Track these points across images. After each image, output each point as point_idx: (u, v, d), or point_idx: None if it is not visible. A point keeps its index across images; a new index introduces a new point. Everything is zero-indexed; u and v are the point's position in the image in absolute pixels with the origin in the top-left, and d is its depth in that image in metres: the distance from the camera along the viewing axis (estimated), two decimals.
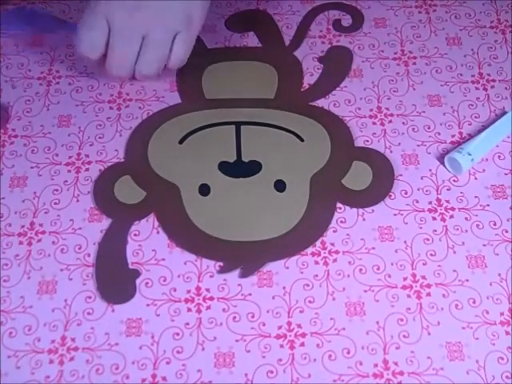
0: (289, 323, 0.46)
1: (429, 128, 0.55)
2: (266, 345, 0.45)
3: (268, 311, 0.47)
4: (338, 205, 0.51)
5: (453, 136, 0.55)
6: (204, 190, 0.52)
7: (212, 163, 0.53)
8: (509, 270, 0.48)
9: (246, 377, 0.44)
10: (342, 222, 0.50)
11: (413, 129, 0.55)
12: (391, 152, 0.54)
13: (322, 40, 0.61)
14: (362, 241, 0.49)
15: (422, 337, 0.45)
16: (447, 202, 0.51)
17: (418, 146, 0.54)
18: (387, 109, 0.56)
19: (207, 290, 0.47)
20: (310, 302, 0.47)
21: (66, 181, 0.53)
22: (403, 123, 0.55)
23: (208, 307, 0.47)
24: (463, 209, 0.51)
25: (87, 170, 0.53)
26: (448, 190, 0.52)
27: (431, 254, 0.49)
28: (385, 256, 0.49)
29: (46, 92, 0.58)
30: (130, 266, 0.48)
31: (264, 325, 0.46)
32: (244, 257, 0.49)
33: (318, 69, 0.59)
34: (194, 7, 0.52)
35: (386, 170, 0.53)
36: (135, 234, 0.50)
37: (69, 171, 0.53)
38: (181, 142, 0.54)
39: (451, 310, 0.46)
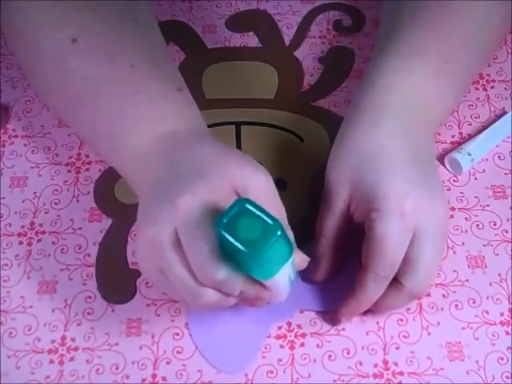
0: (289, 323, 0.46)
1: None
2: (266, 345, 0.45)
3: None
4: None
5: (453, 136, 0.55)
6: None
7: None
8: (509, 270, 0.48)
9: (246, 377, 0.44)
10: None
11: None
12: None
13: (322, 40, 0.61)
14: None
15: (422, 337, 0.45)
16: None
17: None
18: None
19: None
20: None
21: (66, 181, 0.53)
22: None
23: None
24: (463, 209, 0.51)
25: (87, 170, 0.53)
26: (448, 190, 0.52)
27: None
28: None
29: None
30: (130, 266, 0.48)
31: None
32: None
33: (318, 69, 0.59)
34: None
35: None
36: (135, 234, 0.50)
37: (69, 171, 0.53)
38: None
39: (451, 310, 0.46)
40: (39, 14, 0.45)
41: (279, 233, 0.34)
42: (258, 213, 0.35)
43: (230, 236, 0.34)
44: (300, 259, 0.41)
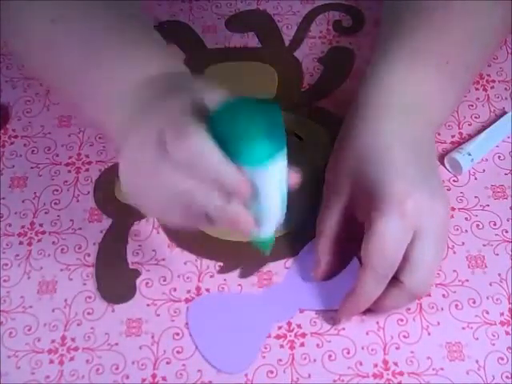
0: (289, 323, 0.46)
1: None
2: (266, 345, 0.45)
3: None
4: None
5: (453, 136, 0.55)
6: None
7: None
8: (509, 270, 0.48)
9: (246, 377, 0.44)
10: None
11: None
12: None
13: (322, 40, 0.61)
14: None
15: (422, 337, 0.45)
16: None
17: None
18: None
19: (207, 290, 0.47)
20: None
21: (66, 181, 0.53)
22: None
23: None
24: (463, 209, 0.51)
25: (87, 170, 0.53)
26: (448, 190, 0.52)
27: None
28: None
29: (46, 92, 0.58)
30: (130, 266, 0.48)
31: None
32: (244, 257, 0.49)
33: (318, 69, 0.59)
34: None
35: None
36: (135, 234, 0.50)
37: (69, 171, 0.53)
38: None
39: (451, 310, 0.46)
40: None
41: (276, 106, 0.35)
42: (253, 101, 0.36)
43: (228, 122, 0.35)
44: (291, 174, 0.38)
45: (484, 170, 0.53)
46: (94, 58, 0.43)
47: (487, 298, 0.47)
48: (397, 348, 0.45)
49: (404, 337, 0.45)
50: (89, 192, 0.52)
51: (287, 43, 0.61)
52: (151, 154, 0.37)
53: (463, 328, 0.46)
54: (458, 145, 0.54)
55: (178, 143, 0.35)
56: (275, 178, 0.37)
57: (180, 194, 0.37)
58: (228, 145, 0.35)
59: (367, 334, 0.45)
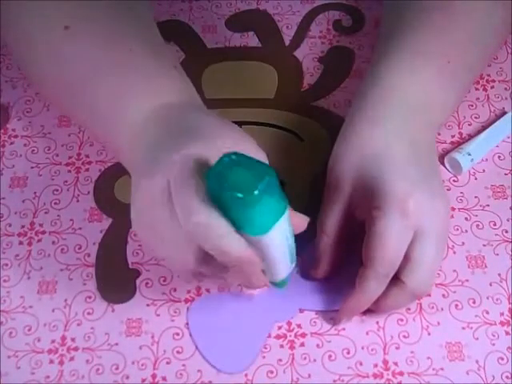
0: (289, 323, 0.46)
1: None
2: (266, 345, 0.45)
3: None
4: None
5: (453, 136, 0.55)
6: None
7: None
8: (509, 270, 0.48)
9: (246, 377, 0.44)
10: None
11: None
12: None
13: (322, 40, 0.61)
14: None
15: (422, 337, 0.45)
16: None
17: None
18: None
19: (207, 290, 0.47)
20: None
21: (66, 181, 0.53)
22: None
23: None
24: (463, 209, 0.51)
25: (87, 170, 0.53)
26: (448, 190, 0.52)
27: None
28: None
29: None
30: (130, 266, 0.48)
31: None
32: None
33: (318, 69, 0.59)
34: None
35: None
36: (135, 234, 0.50)
37: (69, 171, 0.53)
38: None
39: (451, 310, 0.46)
40: (32, 6, 0.45)
41: (272, 174, 0.33)
42: (248, 161, 0.34)
43: (220, 185, 0.33)
44: (298, 220, 0.39)
45: (484, 170, 0.53)
46: (105, 80, 0.44)
47: (487, 297, 0.47)
48: (397, 348, 0.45)
49: (404, 337, 0.45)
50: (89, 192, 0.52)
51: (287, 43, 0.61)
52: (156, 204, 0.37)
53: (463, 328, 0.46)
54: (457, 145, 0.54)
55: (183, 215, 0.36)
56: (281, 238, 0.37)
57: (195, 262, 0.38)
58: (226, 210, 0.35)
59: (367, 333, 0.45)
